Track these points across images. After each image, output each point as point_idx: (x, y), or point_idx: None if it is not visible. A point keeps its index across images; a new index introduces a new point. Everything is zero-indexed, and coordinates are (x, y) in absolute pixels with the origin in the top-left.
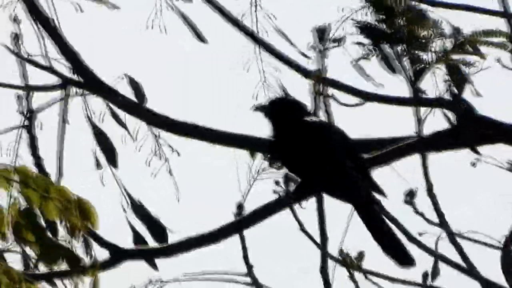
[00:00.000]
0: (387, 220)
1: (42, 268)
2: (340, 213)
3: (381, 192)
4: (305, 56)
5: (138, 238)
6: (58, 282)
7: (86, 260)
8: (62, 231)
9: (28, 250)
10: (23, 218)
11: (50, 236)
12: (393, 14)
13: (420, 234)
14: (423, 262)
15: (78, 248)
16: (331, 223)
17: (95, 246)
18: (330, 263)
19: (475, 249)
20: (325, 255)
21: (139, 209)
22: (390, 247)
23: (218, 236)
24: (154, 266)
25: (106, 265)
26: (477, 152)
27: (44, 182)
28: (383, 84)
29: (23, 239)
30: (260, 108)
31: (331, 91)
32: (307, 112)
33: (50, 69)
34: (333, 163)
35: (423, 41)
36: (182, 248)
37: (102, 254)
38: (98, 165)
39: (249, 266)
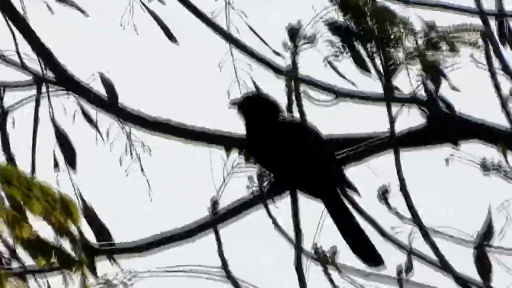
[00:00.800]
0: (357, 219)
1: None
2: (314, 209)
3: (354, 189)
4: (277, 54)
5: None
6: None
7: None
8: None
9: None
10: (12, 215)
11: (38, 234)
12: (361, 12)
13: (392, 228)
14: (398, 258)
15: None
16: (305, 220)
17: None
18: (305, 259)
19: (449, 246)
20: (299, 252)
21: (89, 213)
22: (358, 246)
23: (193, 232)
24: (116, 263)
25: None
26: (456, 145)
27: (27, 180)
28: (354, 83)
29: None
30: (235, 103)
31: (304, 88)
32: (280, 110)
33: (23, 67)
34: (307, 160)
35: (394, 39)
36: (156, 244)
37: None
38: (56, 166)
39: (224, 262)
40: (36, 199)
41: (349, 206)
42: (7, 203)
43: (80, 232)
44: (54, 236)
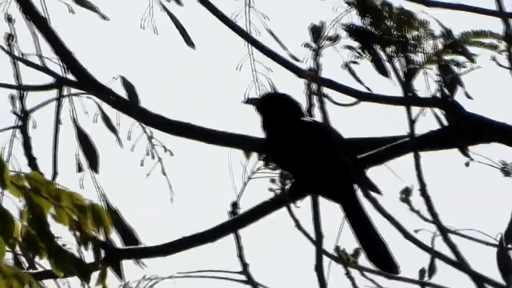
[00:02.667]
0: (374, 225)
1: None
2: (336, 211)
3: (376, 190)
4: (294, 58)
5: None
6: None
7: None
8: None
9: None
10: (34, 227)
11: (59, 244)
12: (380, 16)
13: (416, 231)
14: (420, 259)
15: (87, 253)
16: (327, 221)
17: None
18: (326, 261)
19: (470, 248)
20: (320, 253)
21: (114, 216)
22: (374, 253)
23: (213, 235)
24: (142, 265)
25: (100, 264)
26: (466, 154)
27: (56, 189)
28: (370, 88)
29: (32, 248)
30: (252, 101)
31: (325, 90)
32: (301, 111)
33: (44, 69)
34: (328, 162)
35: (413, 42)
36: (178, 247)
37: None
38: (80, 168)
39: (244, 264)
40: (64, 209)
41: (370, 208)
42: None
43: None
44: (76, 244)
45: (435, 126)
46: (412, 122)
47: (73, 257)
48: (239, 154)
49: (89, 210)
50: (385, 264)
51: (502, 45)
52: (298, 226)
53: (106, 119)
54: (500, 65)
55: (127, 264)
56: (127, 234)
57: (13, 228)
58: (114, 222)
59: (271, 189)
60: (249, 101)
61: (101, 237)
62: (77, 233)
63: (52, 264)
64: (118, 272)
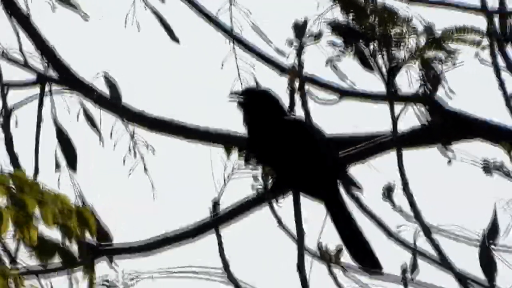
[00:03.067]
0: (357, 223)
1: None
2: (318, 208)
3: (357, 187)
4: (280, 52)
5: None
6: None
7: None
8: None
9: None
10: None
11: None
12: (363, 11)
13: (398, 227)
14: (402, 257)
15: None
16: (310, 219)
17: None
18: (307, 260)
19: (454, 246)
20: (302, 252)
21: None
22: (356, 251)
23: (195, 233)
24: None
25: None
26: (447, 151)
27: (40, 188)
28: (355, 83)
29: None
30: (235, 95)
31: (308, 87)
32: (283, 107)
33: (26, 65)
34: (310, 159)
35: (396, 38)
36: (160, 245)
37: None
38: (58, 167)
39: (225, 263)
40: (49, 208)
41: (353, 205)
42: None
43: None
44: (60, 238)
45: (417, 123)
46: (395, 119)
47: (58, 245)
48: (220, 151)
49: (74, 211)
50: (368, 262)
51: (485, 41)
52: (280, 223)
53: (88, 117)
54: (483, 60)
55: (100, 265)
56: (103, 234)
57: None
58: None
59: (253, 187)
60: (232, 94)
61: (86, 237)
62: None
63: (36, 253)
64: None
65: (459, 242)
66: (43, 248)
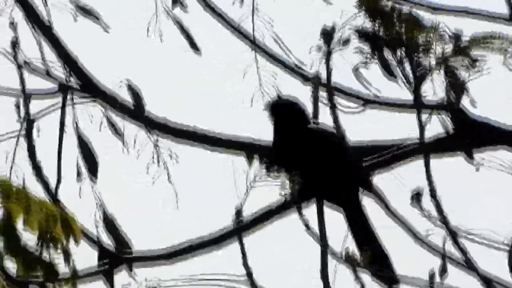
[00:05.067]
0: (376, 233)
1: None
2: (339, 218)
3: (379, 197)
4: (299, 67)
5: (103, 254)
6: None
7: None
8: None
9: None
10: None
11: (27, 248)
12: (389, 19)
13: (427, 233)
14: (429, 263)
15: (58, 259)
16: (337, 223)
17: (92, 251)
18: (335, 264)
19: (481, 252)
20: (325, 258)
21: (110, 224)
22: (374, 261)
23: (218, 241)
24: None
25: (105, 271)
26: (471, 158)
27: (26, 195)
28: (379, 91)
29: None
30: (268, 106)
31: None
32: (309, 117)
33: (48, 74)
34: (333, 168)
35: (423, 45)
36: (183, 253)
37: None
38: (79, 175)
39: (249, 271)
40: (34, 214)
41: (381, 211)
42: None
43: (99, 241)
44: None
45: (441, 131)
46: (422, 127)
47: (41, 258)
48: (242, 161)
49: (58, 218)
50: (385, 273)
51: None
52: (308, 228)
53: (111, 124)
54: (509, 68)
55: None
56: (122, 242)
57: None
58: (110, 229)
59: (280, 194)
60: (266, 106)
61: (71, 245)
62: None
63: (19, 265)
64: (111, 282)
65: (488, 247)
66: (26, 261)
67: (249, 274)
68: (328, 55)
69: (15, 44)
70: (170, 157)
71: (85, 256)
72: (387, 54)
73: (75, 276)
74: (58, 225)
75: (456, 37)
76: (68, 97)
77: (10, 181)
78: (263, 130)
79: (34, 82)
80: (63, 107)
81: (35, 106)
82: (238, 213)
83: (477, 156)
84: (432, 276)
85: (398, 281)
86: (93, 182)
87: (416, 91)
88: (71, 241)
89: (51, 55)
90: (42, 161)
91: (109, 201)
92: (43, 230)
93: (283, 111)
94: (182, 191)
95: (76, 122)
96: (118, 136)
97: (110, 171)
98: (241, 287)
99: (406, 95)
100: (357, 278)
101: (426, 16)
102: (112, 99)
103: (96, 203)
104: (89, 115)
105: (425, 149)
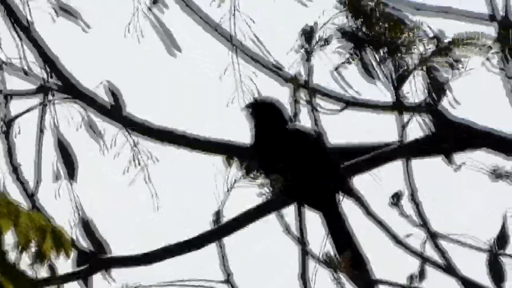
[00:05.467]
0: (355, 237)
1: None
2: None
3: (358, 198)
4: (278, 68)
5: (80, 257)
6: None
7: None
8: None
9: None
10: None
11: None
12: (372, 17)
13: (407, 236)
14: (408, 266)
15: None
16: (316, 226)
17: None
18: (314, 266)
19: (461, 255)
20: (305, 261)
21: (87, 228)
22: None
23: (198, 243)
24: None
25: (84, 273)
26: (450, 161)
27: (15, 208)
28: (359, 93)
29: None
30: (247, 107)
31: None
32: (288, 117)
33: (27, 74)
34: (312, 170)
35: (405, 44)
36: (162, 255)
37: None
38: (57, 177)
39: (228, 273)
40: (22, 229)
41: (361, 212)
42: None
43: (75, 245)
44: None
45: (421, 133)
46: (402, 127)
47: (23, 275)
48: (221, 162)
49: (49, 231)
50: (363, 277)
51: (495, 46)
52: (288, 230)
53: (90, 125)
54: (492, 67)
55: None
56: (99, 246)
57: None
58: (86, 232)
59: (260, 194)
60: (245, 107)
61: (60, 259)
62: (33, 252)
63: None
64: (89, 286)
65: (467, 249)
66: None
67: (229, 278)
68: (308, 55)
69: None
70: (149, 158)
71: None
72: (369, 54)
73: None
74: (48, 240)
75: (438, 37)
76: (49, 98)
77: (2, 194)
78: (241, 131)
79: (13, 83)
80: (42, 108)
81: (15, 106)
82: (217, 215)
83: (457, 157)
84: (411, 279)
85: (374, 284)
86: (71, 185)
87: (397, 91)
88: (61, 256)
89: (30, 55)
90: (21, 162)
91: (87, 202)
92: (30, 244)
93: (261, 111)
94: (161, 193)
95: (55, 123)
96: (97, 137)
97: (88, 172)
98: None
99: (387, 99)
100: (337, 280)
101: (408, 16)
102: (92, 100)
103: (74, 205)
104: (68, 116)
105: (405, 151)
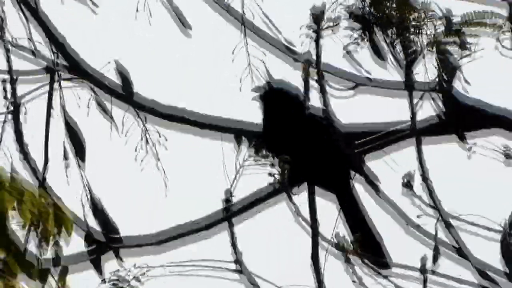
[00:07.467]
0: (369, 217)
1: None
2: (331, 203)
3: (372, 179)
4: (290, 47)
5: (88, 237)
6: None
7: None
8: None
9: None
10: None
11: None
12: None
13: (418, 217)
14: (420, 248)
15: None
16: (327, 209)
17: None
18: (326, 249)
19: (473, 237)
20: (316, 242)
21: (96, 207)
22: (367, 245)
23: (208, 223)
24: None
25: (93, 253)
26: (463, 140)
27: (20, 185)
28: (370, 73)
29: None
30: (257, 90)
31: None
32: (301, 102)
33: (35, 54)
34: (324, 151)
35: (414, 24)
36: (172, 239)
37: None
38: (66, 158)
39: (238, 255)
40: (26, 205)
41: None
42: None
43: (87, 227)
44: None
45: (432, 113)
46: (413, 107)
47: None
48: (231, 146)
49: (51, 209)
50: (377, 257)
51: (506, 26)
52: (298, 213)
53: (100, 105)
54: (501, 50)
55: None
56: (109, 227)
57: None
58: (96, 213)
59: (270, 174)
60: (255, 90)
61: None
62: (38, 230)
63: (10, 262)
64: (98, 268)
65: (479, 232)
66: (17, 258)
67: (239, 259)
68: (318, 35)
69: (1, 24)
70: (159, 139)
71: (72, 240)
72: (378, 35)
73: (66, 273)
74: (50, 217)
75: (447, 17)
76: (56, 78)
77: (5, 172)
78: (251, 111)
79: (21, 65)
80: (50, 89)
81: (22, 89)
82: (228, 197)
83: (470, 141)
84: (424, 261)
85: (388, 266)
86: (80, 166)
87: (407, 72)
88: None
89: (38, 36)
90: (29, 144)
91: (97, 186)
92: (35, 222)
93: (275, 98)
94: (171, 176)
95: (63, 103)
96: (107, 116)
97: (97, 155)
98: (230, 272)
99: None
100: (348, 262)
101: None
102: (100, 81)
103: (83, 187)
104: (76, 97)
105: (417, 131)
